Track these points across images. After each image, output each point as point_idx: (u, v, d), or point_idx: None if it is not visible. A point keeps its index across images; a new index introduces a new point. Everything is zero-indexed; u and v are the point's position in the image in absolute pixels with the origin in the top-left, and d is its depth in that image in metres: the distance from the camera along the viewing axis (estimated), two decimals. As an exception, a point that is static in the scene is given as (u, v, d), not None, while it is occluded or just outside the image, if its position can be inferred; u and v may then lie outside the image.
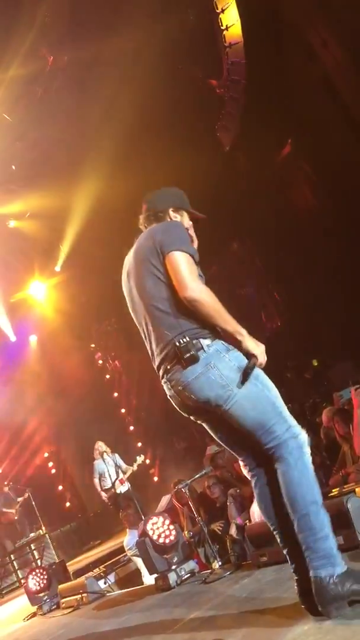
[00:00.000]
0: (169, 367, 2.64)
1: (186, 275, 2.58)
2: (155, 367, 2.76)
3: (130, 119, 10.25)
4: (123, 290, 2.94)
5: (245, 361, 2.55)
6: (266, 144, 11.73)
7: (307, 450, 2.50)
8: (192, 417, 2.78)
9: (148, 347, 2.80)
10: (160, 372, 2.72)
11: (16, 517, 12.15)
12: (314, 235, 11.73)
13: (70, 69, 10.18)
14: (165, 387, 2.73)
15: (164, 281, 2.66)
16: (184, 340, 2.55)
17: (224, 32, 10.03)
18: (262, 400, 2.52)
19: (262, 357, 2.56)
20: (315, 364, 12.29)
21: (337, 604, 2.31)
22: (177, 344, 2.56)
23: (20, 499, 12.18)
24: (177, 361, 2.58)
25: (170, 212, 2.88)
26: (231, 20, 9.82)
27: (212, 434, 2.78)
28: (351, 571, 2.37)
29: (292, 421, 2.53)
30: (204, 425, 2.79)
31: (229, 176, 12.00)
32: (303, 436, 2.52)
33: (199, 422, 2.79)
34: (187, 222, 2.91)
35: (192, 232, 2.90)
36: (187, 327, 2.59)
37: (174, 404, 2.75)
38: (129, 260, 2.87)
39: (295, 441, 2.49)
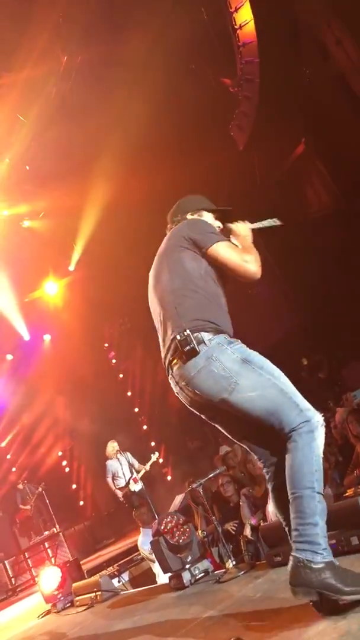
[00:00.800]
0: (172, 361, 2.65)
1: (238, 262, 2.68)
2: (163, 362, 2.78)
3: (144, 118, 10.27)
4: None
5: (247, 352, 2.56)
6: (280, 144, 11.70)
7: (319, 433, 2.47)
8: (202, 416, 2.78)
9: (160, 342, 2.82)
10: (166, 366, 2.74)
11: (31, 511, 12.27)
12: (328, 234, 11.68)
13: (84, 69, 10.21)
14: (171, 384, 2.73)
15: (178, 273, 2.71)
16: (185, 333, 2.56)
17: (238, 31, 9.99)
18: (268, 388, 2.50)
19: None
20: (305, 362, 12.20)
21: (305, 590, 2.33)
22: (178, 337, 2.58)
23: (36, 491, 12.31)
24: (178, 355, 2.60)
25: (188, 216, 2.95)
26: (245, 19, 9.79)
27: (223, 431, 2.77)
28: (337, 567, 2.35)
29: (304, 404, 2.50)
30: (214, 423, 2.78)
31: (242, 175, 11.97)
32: (317, 419, 2.48)
33: (209, 420, 2.78)
34: (213, 222, 2.95)
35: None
36: (188, 321, 2.61)
37: (182, 400, 2.75)
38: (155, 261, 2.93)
39: (308, 425, 2.46)
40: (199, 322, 2.60)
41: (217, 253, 2.70)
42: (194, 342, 2.54)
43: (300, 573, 2.34)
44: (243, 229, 2.85)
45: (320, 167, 11.95)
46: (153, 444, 15.26)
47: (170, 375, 2.71)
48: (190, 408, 2.77)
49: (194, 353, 2.54)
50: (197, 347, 2.54)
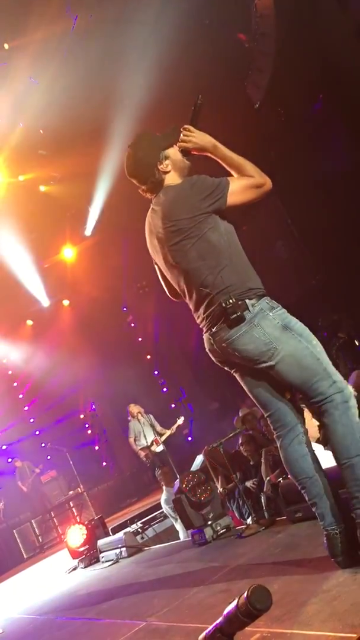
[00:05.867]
0: (214, 328, 2.70)
1: (254, 193, 2.77)
2: (197, 321, 2.83)
3: (157, 77, 10.07)
4: (153, 257, 3.01)
5: (288, 319, 2.63)
6: (297, 100, 11.42)
7: (353, 403, 2.55)
8: (226, 368, 2.85)
9: (187, 302, 2.87)
10: (204, 328, 2.80)
11: (27, 490, 12.62)
12: (347, 192, 11.47)
13: (96, 28, 9.99)
14: (206, 342, 2.80)
15: (207, 251, 2.71)
16: (230, 301, 2.62)
17: (252, -17, 9.70)
18: (305, 357, 2.58)
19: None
20: (320, 323, 12.01)
21: None
22: (224, 305, 2.63)
23: (35, 471, 12.66)
24: (223, 321, 2.66)
25: (161, 167, 2.92)
26: (259, -30, 9.48)
27: (245, 387, 2.83)
28: None
29: (337, 376, 2.58)
30: (238, 377, 2.84)
31: (258, 134, 11.75)
32: (348, 390, 2.56)
33: (233, 373, 2.85)
34: (178, 156, 2.97)
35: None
36: (231, 287, 2.66)
37: (212, 357, 2.83)
38: (154, 230, 2.91)
39: (341, 396, 2.53)
40: (242, 289, 2.66)
41: (234, 200, 2.74)
42: (240, 309, 2.60)
43: None
44: (201, 137, 2.95)
45: (339, 123, 11.67)
46: (173, 406, 15.42)
47: (208, 335, 2.77)
48: (219, 364, 2.84)
49: (240, 320, 2.61)
50: (243, 314, 2.61)
